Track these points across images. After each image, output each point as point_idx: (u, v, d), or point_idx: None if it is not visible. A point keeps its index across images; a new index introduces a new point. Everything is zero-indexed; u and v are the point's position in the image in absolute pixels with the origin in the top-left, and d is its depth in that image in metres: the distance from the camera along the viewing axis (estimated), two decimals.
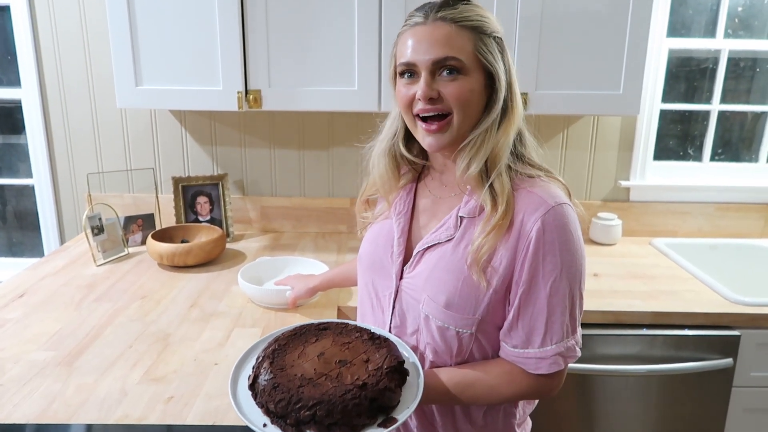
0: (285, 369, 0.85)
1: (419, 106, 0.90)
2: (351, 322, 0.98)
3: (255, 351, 0.96)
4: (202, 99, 1.71)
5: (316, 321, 0.99)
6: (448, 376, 0.93)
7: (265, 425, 0.80)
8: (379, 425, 0.79)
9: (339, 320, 0.99)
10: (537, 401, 1.10)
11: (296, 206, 2.18)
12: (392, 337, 0.95)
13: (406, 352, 0.93)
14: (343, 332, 0.94)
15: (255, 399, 0.84)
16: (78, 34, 2.01)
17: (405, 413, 0.81)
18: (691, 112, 2.19)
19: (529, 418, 1.09)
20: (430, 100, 0.89)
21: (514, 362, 0.92)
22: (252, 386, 0.86)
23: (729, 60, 2.11)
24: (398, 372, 0.85)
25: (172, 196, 2.05)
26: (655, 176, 2.19)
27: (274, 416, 0.80)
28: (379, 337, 0.92)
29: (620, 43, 1.67)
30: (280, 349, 0.90)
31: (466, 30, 0.88)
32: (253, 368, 0.89)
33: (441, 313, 0.92)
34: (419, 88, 0.89)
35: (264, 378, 0.84)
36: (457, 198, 0.97)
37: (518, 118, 0.93)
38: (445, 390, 0.92)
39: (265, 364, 0.86)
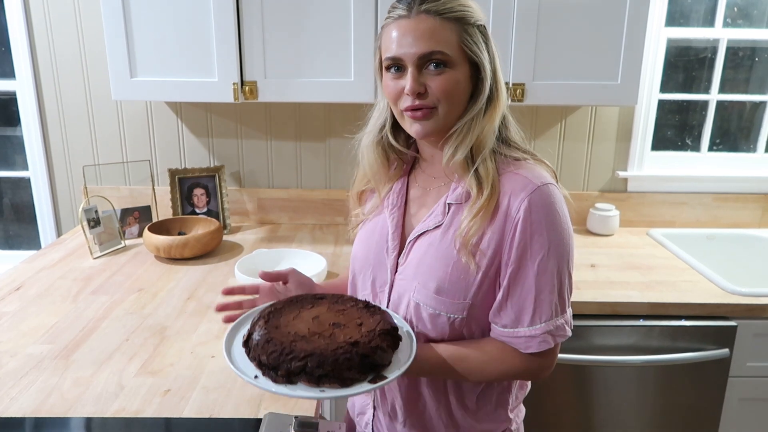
0: (279, 327, 0.86)
1: (407, 102, 0.90)
2: (347, 295, 0.99)
3: (251, 317, 0.96)
4: (198, 90, 1.70)
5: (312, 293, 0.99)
6: (442, 348, 0.94)
7: (256, 377, 0.81)
8: (369, 382, 0.80)
9: (336, 293, 1.00)
10: (529, 387, 1.11)
11: (293, 198, 2.17)
12: (389, 311, 0.96)
13: (399, 323, 0.93)
14: (339, 301, 0.95)
15: (248, 355, 0.85)
16: (72, 26, 1.99)
17: (396, 373, 0.82)
18: (689, 102, 2.18)
19: (522, 404, 1.10)
20: (418, 95, 0.89)
21: (505, 342, 0.93)
22: (246, 343, 0.87)
23: (728, 49, 2.10)
24: (391, 336, 0.86)
25: (169, 188, 2.05)
26: (652, 167, 2.18)
27: (266, 368, 0.81)
28: (375, 306, 0.93)
29: (618, 33, 1.66)
30: (276, 312, 0.91)
31: (450, 22, 0.88)
32: (249, 329, 0.90)
33: (432, 300, 0.93)
34: (406, 83, 0.89)
35: (258, 334, 0.85)
36: (445, 187, 0.98)
37: (503, 105, 0.94)
38: (439, 361, 0.93)
39: (260, 323, 0.88)
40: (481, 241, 0.90)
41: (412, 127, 0.93)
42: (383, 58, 0.93)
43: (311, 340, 0.83)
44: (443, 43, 0.87)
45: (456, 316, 0.93)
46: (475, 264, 0.90)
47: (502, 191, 0.90)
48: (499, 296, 0.92)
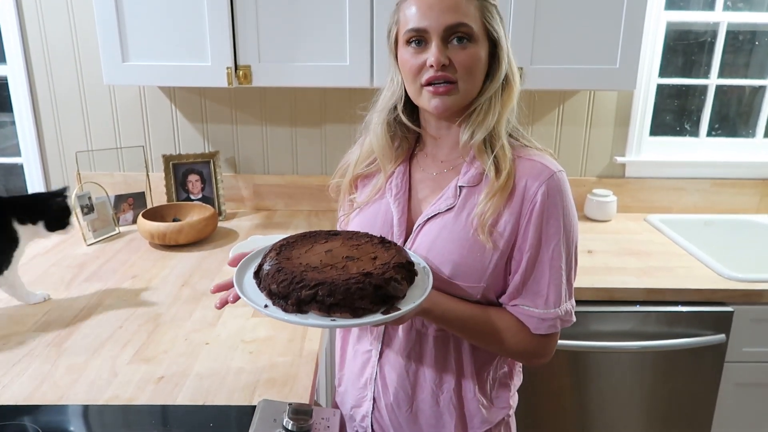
0: (291, 259, 0.86)
1: (429, 74, 0.89)
2: (362, 231, 0.97)
3: (263, 252, 0.94)
4: (191, 75, 1.68)
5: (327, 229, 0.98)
6: (465, 304, 0.94)
7: (266, 306, 0.80)
8: (382, 313, 0.79)
9: (351, 230, 0.98)
10: (522, 377, 1.11)
11: (289, 184, 2.16)
12: (405, 248, 0.94)
13: (416, 259, 0.92)
14: (354, 237, 0.94)
15: (259, 286, 0.84)
16: (63, 9, 1.96)
17: (410, 305, 0.80)
18: (688, 87, 2.16)
19: (516, 393, 1.10)
20: (442, 66, 0.88)
21: (519, 317, 0.94)
22: (257, 274, 0.86)
23: (728, 33, 2.08)
24: (406, 269, 0.84)
25: (163, 174, 2.03)
26: (651, 152, 2.17)
27: (276, 297, 0.80)
28: (390, 242, 0.92)
29: (617, 16, 1.63)
30: (288, 245, 0.91)
31: None
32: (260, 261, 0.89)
33: (445, 285, 0.93)
34: (431, 54, 0.87)
35: (269, 264, 0.85)
36: (453, 171, 0.98)
37: (518, 87, 0.95)
38: (455, 309, 0.92)
39: (272, 254, 0.87)
40: (498, 222, 0.91)
41: (431, 103, 0.91)
42: (403, 32, 0.91)
43: (323, 270, 0.82)
44: (468, 16, 0.87)
45: (470, 300, 0.94)
46: (491, 244, 0.90)
47: (517, 175, 0.91)
48: (516, 280, 0.93)
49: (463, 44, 0.88)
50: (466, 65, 0.88)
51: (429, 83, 0.90)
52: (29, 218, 1.35)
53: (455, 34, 0.87)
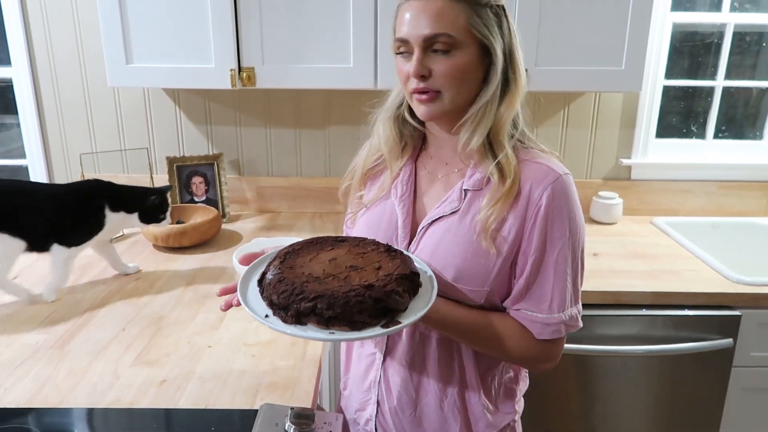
0: (294, 268, 0.85)
1: (413, 84, 0.90)
2: (369, 238, 0.96)
3: (270, 258, 0.95)
4: (195, 77, 1.67)
5: (334, 235, 0.98)
6: (465, 309, 0.93)
7: (267, 316, 0.80)
8: (382, 327, 0.78)
9: (358, 237, 0.97)
10: (528, 382, 1.10)
11: (293, 186, 2.15)
12: (412, 255, 0.93)
13: (422, 267, 0.91)
14: (360, 244, 0.93)
15: (262, 294, 0.85)
16: (68, 11, 1.96)
17: (411, 318, 0.79)
18: (694, 89, 2.15)
19: (522, 398, 1.09)
20: (422, 77, 0.88)
21: (523, 323, 0.93)
22: (260, 282, 0.86)
23: (734, 34, 2.06)
24: (409, 280, 0.83)
25: (167, 176, 2.03)
26: (657, 154, 2.15)
27: (277, 308, 0.80)
28: (396, 250, 0.91)
29: (623, 18, 1.62)
30: (293, 253, 0.90)
31: (460, 3, 0.86)
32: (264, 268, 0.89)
33: (449, 288, 0.92)
34: (411, 66, 0.88)
35: (271, 273, 0.85)
36: (458, 174, 0.97)
37: (522, 90, 0.93)
38: (459, 317, 0.92)
39: (276, 262, 0.87)
40: (502, 226, 0.90)
41: (419, 109, 0.92)
42: (393, 40, 0.92)
43: (324, 281, 0.81)
44: (449, 25, 0.86)
45: (474, 305, 0.93)
46: (495, 249, 0.90)
47: (522, 178, 0.90)
48: (520, 284, 0.92)
49: (445, 53, 0.87)
50: (447, 75, 0.88)
51: (414, 92, 0.90)
52: (124, 208, 1.42)
53: (436, 44, 0.87)
